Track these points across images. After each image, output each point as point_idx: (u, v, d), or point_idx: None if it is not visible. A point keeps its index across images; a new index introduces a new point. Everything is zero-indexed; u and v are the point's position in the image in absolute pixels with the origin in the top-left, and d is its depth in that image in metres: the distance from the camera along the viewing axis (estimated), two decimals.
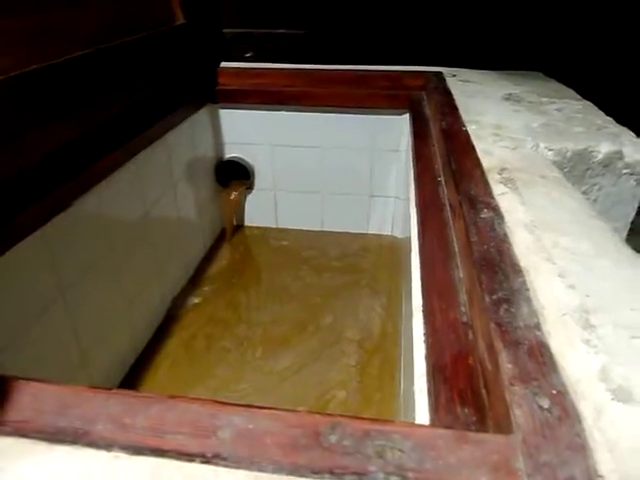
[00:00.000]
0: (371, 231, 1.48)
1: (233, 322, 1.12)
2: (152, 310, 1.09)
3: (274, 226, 1.53)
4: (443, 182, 0.72)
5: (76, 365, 0.82)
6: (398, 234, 1.46)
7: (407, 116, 1.25)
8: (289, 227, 1.52)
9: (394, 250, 1.41)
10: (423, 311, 0.50)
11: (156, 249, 1.08)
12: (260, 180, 1.47)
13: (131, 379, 0.98)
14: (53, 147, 0.74)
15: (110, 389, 0.37)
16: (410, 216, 0.75)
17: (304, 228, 1.50)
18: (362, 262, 1.35)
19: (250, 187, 1.48)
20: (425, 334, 0.47)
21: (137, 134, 0.93)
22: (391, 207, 1.42)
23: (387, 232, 1.47)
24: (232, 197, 1.43)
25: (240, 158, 1.42)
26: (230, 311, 1.16)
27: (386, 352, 1.04)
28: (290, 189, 1.46)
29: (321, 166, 1.39)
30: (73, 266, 0.80)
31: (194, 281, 1.26)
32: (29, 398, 0.35)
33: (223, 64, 1.33)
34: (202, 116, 1.29)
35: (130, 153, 0.92)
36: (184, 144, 1.20)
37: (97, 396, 0.35)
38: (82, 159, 0.80)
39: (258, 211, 1.53)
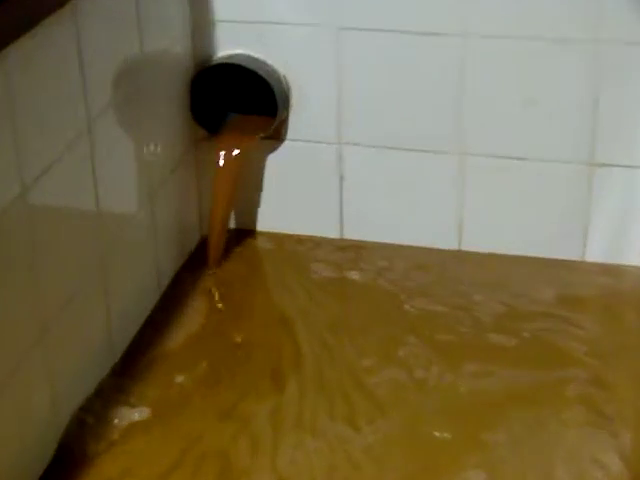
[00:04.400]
0: (591, 257, 1.41)
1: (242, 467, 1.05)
2: (31, 436, 1.05)
3: (334, 235, 1.41)
4: None
5: None
6: None
7: None
8: (371, 239, 1.40)
9: None
10: None
11: (42, 284, 1.04)
12: (304, 117, 1.33)
13: None
14: None
15: None
16: None
17: (413, 243, 1.39)
18: (568, 334, 1.30)
19: (277, 135, 1.35)
20: None
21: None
22: None
23: (634, 261, 1.40)
24: (226, 160, 1.34)
25: (253, 60, 1.31)
26: (230, 442, 1.10)
27: None
28: (380, 142, 1.32)
29: (461, 87, 1.28)
30: None
31: (130, 364, 1.23)
32: None
33: None
34: None
35: None
36: (115, 23, 1.15)
37: None
38: None
39: (293, 198, 1.41)
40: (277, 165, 1.46)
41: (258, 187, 1.49)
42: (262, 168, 1.47)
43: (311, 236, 1.51)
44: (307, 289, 1.42)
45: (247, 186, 1.48)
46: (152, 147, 1.31)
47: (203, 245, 1.49)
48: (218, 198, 1.45)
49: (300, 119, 1.42)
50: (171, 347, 1.31)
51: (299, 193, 1.48)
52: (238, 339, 1.34)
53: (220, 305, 1.43)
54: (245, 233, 1.53)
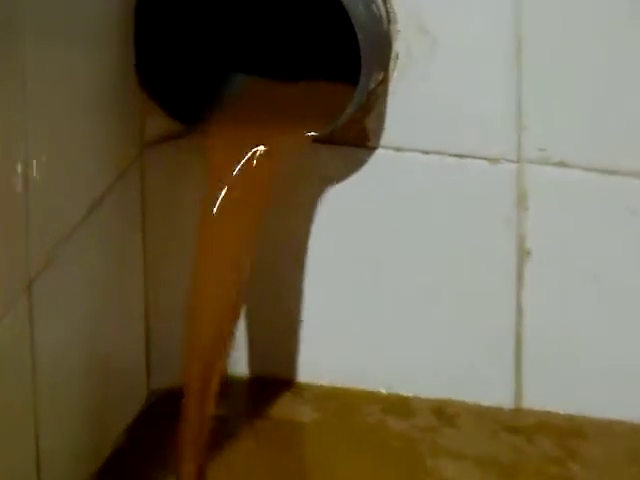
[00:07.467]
0: None
1: None
2: None
3: (496, 400, 1.02)
4: None
5: None
6: None
7: None
8: (595, 414, 0.99)
9: None
10: None
11: None
12: (430, 94, 0.96)
13: None
14: None
15: None
16: None
17: None
18: None
19: (358, 135, 0.94)
20: None
21: None
22: None
23: None
24: (227, 198, 1.01)
25: None
26: None
27: None
28: (614, 161, 0.92)
29: None
30: None
31: None
32: None
33: None
34: None
35: None
36: None
37: None
38: None
39: (391, 300, 0.93)
40: (354, 210, 0.86)
41: (300, 272, 0.89)
42: (310, 217, 0.87)
43: (433, 400, 0.87)
44: None
45: (276, 270, 0.87)
46: (43, 161, 0.73)
47: (156, 415, 0.85)
48: (204, 299, 0.79)
49: (419, 98, 0.80)
50: None
51: (407, 287, 0.85)
52: None
53: None
54: (272, 386, 0.93)
